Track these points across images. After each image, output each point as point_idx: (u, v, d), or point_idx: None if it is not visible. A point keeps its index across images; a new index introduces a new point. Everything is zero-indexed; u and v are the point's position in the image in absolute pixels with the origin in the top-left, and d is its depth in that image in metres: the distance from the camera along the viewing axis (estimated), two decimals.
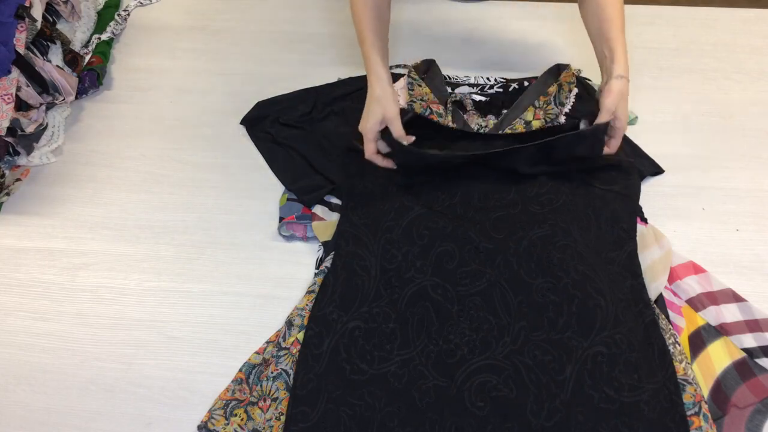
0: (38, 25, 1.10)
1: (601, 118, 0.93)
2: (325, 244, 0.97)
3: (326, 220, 1.00)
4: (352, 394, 0.81)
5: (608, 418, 0.76)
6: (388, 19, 1.00)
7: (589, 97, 1.11)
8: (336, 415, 0.79)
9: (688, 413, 0.78)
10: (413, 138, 0.97)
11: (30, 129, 1.09)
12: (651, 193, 1.02)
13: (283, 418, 0.81)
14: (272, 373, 0.85)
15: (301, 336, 0.87)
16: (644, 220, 0.97)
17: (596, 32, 0.98)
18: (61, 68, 1.15)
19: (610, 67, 0.94)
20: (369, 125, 0.96)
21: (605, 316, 0.82)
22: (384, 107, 0.95)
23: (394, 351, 0.83)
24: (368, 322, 0.85)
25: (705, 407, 0.79)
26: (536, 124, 1.05)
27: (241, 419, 0.82)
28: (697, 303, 0.90)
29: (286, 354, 0.86)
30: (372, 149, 0.98)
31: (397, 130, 0.95)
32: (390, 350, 0.84)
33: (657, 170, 1.05)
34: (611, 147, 0.96)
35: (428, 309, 0.86)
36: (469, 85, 1.16)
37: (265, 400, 0.83)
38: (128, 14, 1.36)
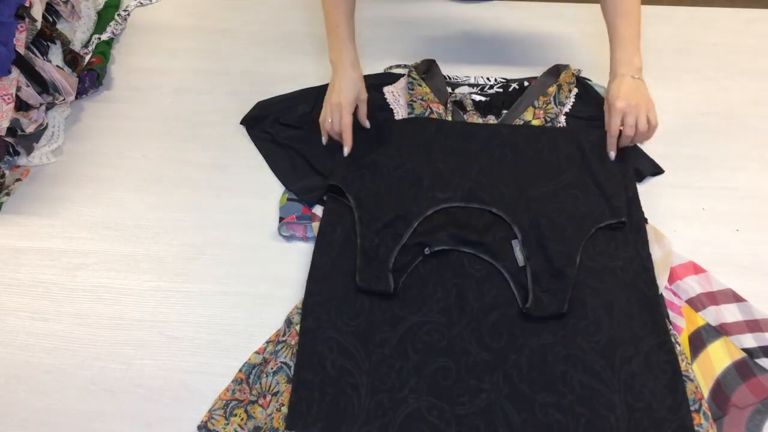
0: (38, 25, 1.10)
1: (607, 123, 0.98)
2: None
3: None
4: None
5: None
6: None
7: (588, 96, 1.11)
8: None
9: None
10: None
11: (30, 129, 1.09)
12: (651, 193, 1.02)
13: (283, 409, 0.81)
14: (272, 368, 0.85)
15: (300, 329, 0.87)
16: (644, 220, 0.96)
17: (609, 29, 1.00)
18: (61, 68, 1.15)
19: (611, 65, 0.97)
20: (348, 98, 1.00)
21: None
22: (360, 88, 1.01)
23: None
24: None
25: (705, 406, 0.79)
26: (536, 123, 1.05)
27: (241, 419, 0.83)
28: (697, 303, 0.90)
29: (284, 346, 0.86)
30: (349, 121, 1.00)
31: (364, 113, 1.03)
32: None
33: (657, 170, 1.05)
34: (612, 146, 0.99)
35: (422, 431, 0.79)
36: (469, 85, 1.16)
37: (265, 397, 0.83)
38: (128, 14, 1.36)
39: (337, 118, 1.01)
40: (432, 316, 0.86)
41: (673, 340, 0.84)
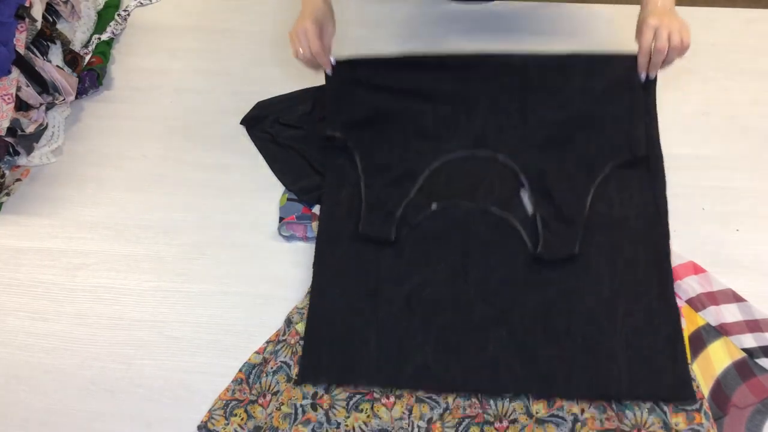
0: (38, 25, 1.10)
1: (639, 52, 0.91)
2: None
3: None
4: None
5: None
6: None
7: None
8: None
9: (689, 409, 0.79)
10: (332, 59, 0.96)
11: (30, 129, 1.09)
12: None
13: (283, 407, 0.81)
14: (272, 368, 0.85)
15: (299, 328, 0.87)
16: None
17: None
18: (61, 68, 1.15)
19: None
20: (311, 20, 0.94)
21: (618, 386, 0.80)
22: (325, 15, 0.96)
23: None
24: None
25: (706, 405, 0.79)
26: None
27: (241, 419, 0.83)
28: (697, 303, 0.90)
29: (284, 346, 0.86)
30: (319, 45, 0.94)
31: (327, 45, 0.96)
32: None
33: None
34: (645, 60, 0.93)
35: (430, 387, 0.83)
36: None
37: (265, 396, 0.84)
38: (128, 14, 1.36)
39: (306, 44, 0.94)
40: (438, 273, 0.88)
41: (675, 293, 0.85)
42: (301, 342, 0.86)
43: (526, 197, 0.90)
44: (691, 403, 0.79)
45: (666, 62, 0.92)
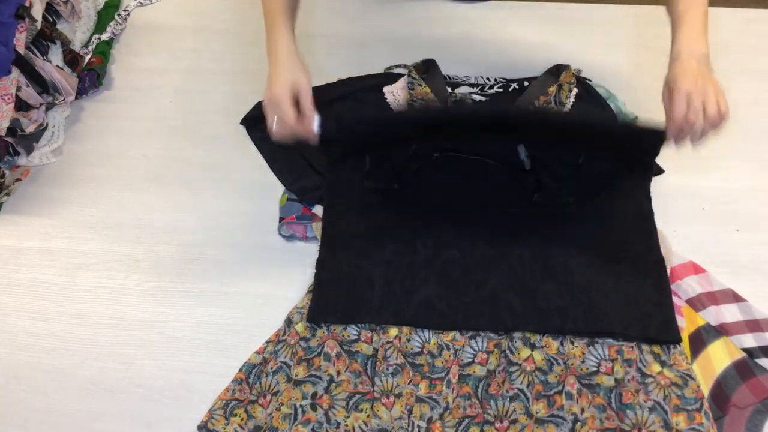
0: (38, 25, 1.10)
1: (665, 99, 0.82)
2: None
3: None
4: None
5: None
6: None
7: (589, 97, 1.11)
8: None
9: (690, 409, 0.79)
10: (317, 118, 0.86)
11: (30, 129, 1.09)
12: (651, 193, 1.02)
13: (283, 408, 0.81)
14: (272, 368, 0.85)
15: (299, 328, 0.87)
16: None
17: (670, 9, 0.88)
18: (61, 68, 1.15)
19: (672, 48, 0.83)
20: (275, 92, 0.83)
21: (611, 324, 0.85)
22: (297, 75, 0.84)
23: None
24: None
25: (707, 405, 0.79)
26: None
27: (241, 419, 0.83)
28: (697, 303, 0.90)
29: (284, 346, 0.87)
30: (293, 116, 0.83)
31: (308, 101, 0.84)
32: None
33: (657, 170, 1.05)
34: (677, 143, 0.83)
35: (432, 324, 0.87)
36: (469, 85, 1.16)
37: (265, 396, 0.84)
38: (128, 14, 1.36)
39: (281, 115, 0.84)
40: (440, 215, 0.94)
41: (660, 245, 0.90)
42: (301, 343, 0.87)
43: (523, 154, 0.96)
44: (675, 344, 0.84)
45: (700, 136, 0.80)
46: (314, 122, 0.85)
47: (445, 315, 0.87)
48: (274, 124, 0.84)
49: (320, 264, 0.93)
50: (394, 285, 0.89)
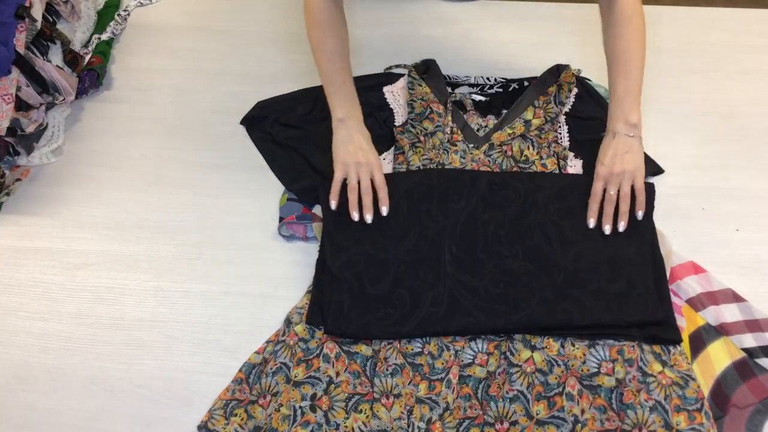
0: (38, 25, 1.10)
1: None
2: None
3: None
4: None
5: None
6: (347, 40, 0.98)
7: (589, 96, 1.11)
8: None
9: (690, 409, 0.78)
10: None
11: (30, 129, 1.09)
12: None
13: (282, 409, 0.81)
14: (271, 368, 0.85)
15: (299, 329, 0.87)
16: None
17: (609, 75, 0.95)
18: (61, 68, 1.15)
19: (607, 118, 0.95)
20: (377, 156, 0.97)
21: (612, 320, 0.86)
22: (368, 156, 0.96)
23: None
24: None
25: (707, 405, 0.79)
26: (536, 123, 1.05)
27: (242, 419, 0.83)
28: (697, 303, 0.90)
29: (283, 347, 0.87)
30: (383, 179, 0.96)
31: (381, 179, 0.95)
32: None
33: (657, 170, 1.05)
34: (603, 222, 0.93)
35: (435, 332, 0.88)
36: (469, 85, 1.16)
37: (265, 397, 0.84)
38: (128, 14, 1.36)
39: (367, 177, 0.95)
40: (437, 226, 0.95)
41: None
42: (300, 344, 0.87)
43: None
44: (676, 344, 0.85)
45: (622, 214, 0.91)
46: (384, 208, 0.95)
47: (448, 326, 0.87)
48: (353, 183, 0.95)
49: (320, 264, 0.93)
50: (399, 290, 0.89)
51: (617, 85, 0.92)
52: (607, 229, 0.92)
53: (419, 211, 0.95)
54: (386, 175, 0.98)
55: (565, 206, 0.95)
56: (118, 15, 1.34)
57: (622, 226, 0.91)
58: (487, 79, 1.16)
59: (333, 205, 0.95)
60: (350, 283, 0.90)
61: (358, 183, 0.95)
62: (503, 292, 0.88)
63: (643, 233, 0.92)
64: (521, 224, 0.94)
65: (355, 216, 0.94)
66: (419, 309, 0.87)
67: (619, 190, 0.92)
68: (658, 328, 0.85)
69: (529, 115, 1.06)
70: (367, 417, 0.81)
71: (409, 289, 0.89)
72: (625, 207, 0.91)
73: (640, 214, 0.92)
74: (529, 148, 1.03)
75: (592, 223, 0.93)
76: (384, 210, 0.95)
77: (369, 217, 0.94)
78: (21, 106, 1.09)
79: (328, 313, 0.88)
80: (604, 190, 0.93)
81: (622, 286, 0.88)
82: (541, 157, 1.02)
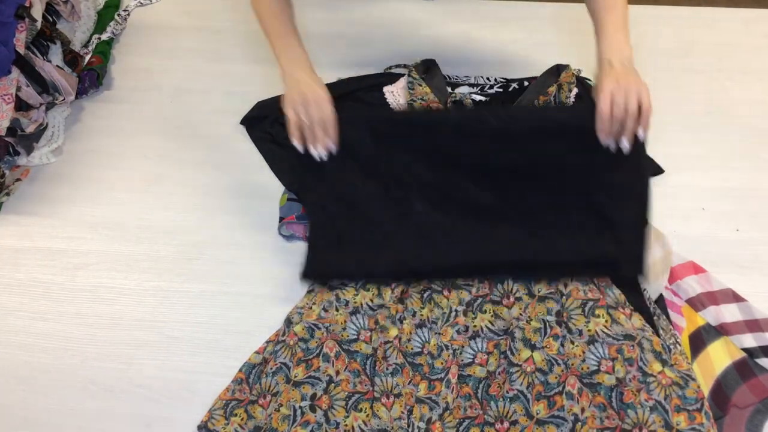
0: (38, 25, 1.10)
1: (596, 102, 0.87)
2: None
3: None
4: None
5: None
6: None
7: (589, 96, 1.11)
8: None
9: (690, 408, 0.78)
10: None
11: (30, 129, 1.09)
12: (651, 194, 1.02)
13: (282, 409, 0.81)
14: (271, 368, 0.85)
15: (298, 329, 0.87)
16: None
17: (595, 22, 0.92)
18: (61, 68, 1.15)
19: (598, 55, 0.89)
20: (326, 91, 0.91)
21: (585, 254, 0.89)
22: (315, 91, 0.91)
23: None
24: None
25: (707, 405, 0.79)
26: None
27: (242, 419, 0.83)
28: (697, 303, 0.90)
29: (283, 346, 0.86)
30: (332, 112, 0.91)
31: (329, 113, 0.90)
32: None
33: (657, 170, 1.05)
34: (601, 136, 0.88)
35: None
36: (469, 85, 1.16)
37: (265, 397, 0.84)
38: (128, 14, 1.36)
39: (315, 112, 0.90)
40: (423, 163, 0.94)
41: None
42: (300, 344, 0.87)
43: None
44: (636, 274, 0.88)
45: (627, 131, 0.86)
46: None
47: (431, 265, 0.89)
48: (303, 122, 0.90)
49: (312, 227, 0.94)
50: (391, 236, 0.90)
51: (609, 23, 0.90)
52: (624, 143, 0.86)
53: (385, 146, 0.92)
54: (349, 109, 0.96)
55: (541, 138, 0.91)
56: (118, 15, 1.34)
57: (625, 144, 0.87)
58: (487, 79, 1.16)
59: (298, 146, 0.91)
60: (322, 223, 0.91)
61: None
62: (473, 229, 0.89)
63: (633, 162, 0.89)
64: (492, 160, 0.91)
65: (300, 148, 0.91)
66: (391, 248, 0.89)
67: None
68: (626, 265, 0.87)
69: None
70: (368, 416, 0.81)
71: (379, 228, 0.90)
72: (631, 123, 0.85)
73: (641, 132, 0.87)
74: None
75: (608, 142, 0.87)
76: (331, 146, 0.91)
77: (320, 150, 0.91)
78: (21, 106, 1.09)
79: (305, 257, 0.89)
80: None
81: (596, 222, 0.88)
82: None
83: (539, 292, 0.89)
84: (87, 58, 1.23)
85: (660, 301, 0.90)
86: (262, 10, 0.97)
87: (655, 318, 0.87)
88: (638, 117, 0.85)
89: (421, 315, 0.88)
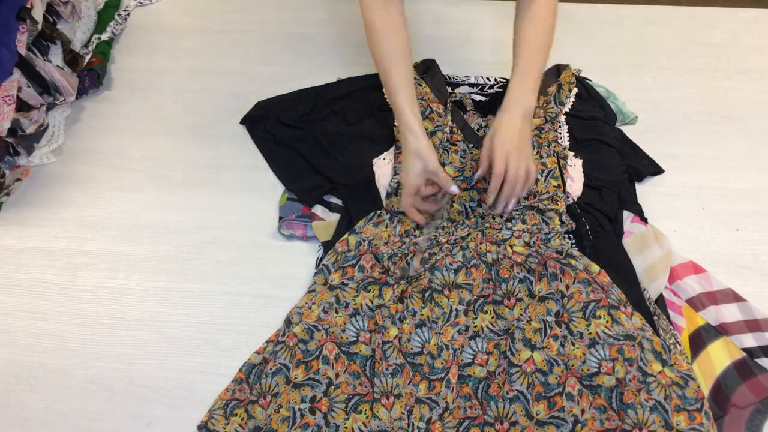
0: (39, 26, 1.10)
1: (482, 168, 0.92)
2: (325, 244, 0.98)
3: (326, 220, 1.00)
4: None
5: None
6: (409, 45, 0.95)
7: (589, 96, 1.11)
8: None
9: (690, 408, 0.78)
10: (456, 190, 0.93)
11: (30, 129, 1.09)
12: (651, 193, 1.02)
13: (282, 410, 0.81)
14: (271, 369, 0.85)
15: (298, 330, 0.87)
16: (644, 220, 0.96)
17: (514, 54, 0.94)
18: (62, 68, 1.15)
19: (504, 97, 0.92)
20: (410, 179, 0.92)
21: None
22: (425, 160, 0.90)
23: None
24: None
25: (707, 405, 0.79)
26: (536, 122, 1.05)
27: (242, 419, 0.83)
28: (697, 303, 0.90)
29: (283, 347, 0.86)
30: (409, 202, 0.94)
31: (444, 180, 0.92)
32: None
33: (657, 170, 1.05)
34: (498, 202, 0.92)
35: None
36: (469, 85, 1.16)
37: (265, 397, 0.83)
38: (128, 14, 1.36)
39: (404, 200, 0.94)
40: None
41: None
42: (300, 345, 0.86)
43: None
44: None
45: (513, 195, 0.90)
46: (452, 187, 0.92)
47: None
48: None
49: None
50: None
51: (523, 62, 0.92)
52: (501, 207, 0.92)
53: None
54: None
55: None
56: (118, 15, 1.34)
57: (510, 206, 0.92)
58: (487, 79, 1.16)
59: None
60: None
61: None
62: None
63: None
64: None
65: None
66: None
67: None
68: None
69: None
70: (367, 417, 0.81)
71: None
72: (518, 191, 0.90)
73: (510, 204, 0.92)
74: None
75: (499, 207, 0.92)
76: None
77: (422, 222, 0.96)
78: (22, 106, 1.09)
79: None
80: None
81: None
82: (541, 156, 1.02)
83: (540, 292, 0.89)
84: (87, 58, 1.24)
85: (660, 301, 0.90)
86: (380, 50, 0.94)
87: (655, 318, 0.87)
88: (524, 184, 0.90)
89: (422, 315, 0.88)
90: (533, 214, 0.96)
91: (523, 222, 0.95)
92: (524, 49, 0.93)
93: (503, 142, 0.89)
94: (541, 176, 0.99)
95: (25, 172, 1.10)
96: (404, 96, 0.92)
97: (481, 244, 0.94)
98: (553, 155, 1.02)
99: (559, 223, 0.95)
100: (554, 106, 1.07)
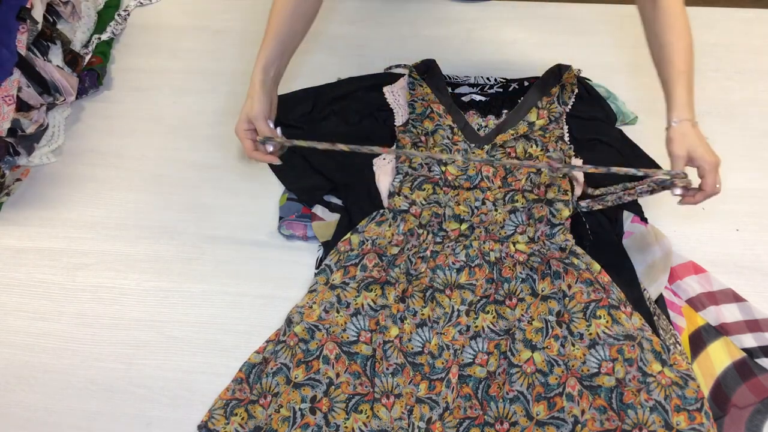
0: (39, 26, 1.10)
1: (676, 166, 0.85)
2: (325, 244, 0.97)
3: (326, 220, 1.00)
4: None
5: None
6: (308, 23, 0.95)
7: (589, 96, 1.11)
8: None
9: (690, 408, 0.78)
10: (279, 134, 0.91)
11: (30, 129, 1.09)
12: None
13: (282, 410, 0.81)
14: (272, 369, 0.85)
15: (299, 330, 0.87)
16: (644, 220, 0.96)
17: (656, 64, 0.90)
18: (62, 68, 1.15)
19: (667, 113, 0.86)
20: (237, 125, 0.90)
21: None
22: (249, 105, 0.89)
23: None
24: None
25: (707, 405, 0.79)
26: (540, 123, 1.05)
27: (242, 419, 0.83)
28: (697, 303, 0.90)
29: (284, 347, 0.86)
30: (249, 146, 0.90)
31: (263, 129, 0.89)
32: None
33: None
34: (696, 199, 0.87)
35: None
36: (469, 85, 1.16)
37: (265, 397, 0.84)
38: (128, 14, 1.36)
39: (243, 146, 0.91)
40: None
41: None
42: (300, 344, 0.86)
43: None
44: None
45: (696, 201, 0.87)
46: (268, 147, 0.90)
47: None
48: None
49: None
50: None
51: (672, 78, 0.86)
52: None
53: None
54: None
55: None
56: (118, 15, 1.34)
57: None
58: (487, 79, 1.16)
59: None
60: None
61: None
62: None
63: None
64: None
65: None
66: None
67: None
68: None
69: (533, 116, 1.06)
70: (368, 417, 0.81)
71: None
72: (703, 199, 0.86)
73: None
74: (532, 146, 1.03)
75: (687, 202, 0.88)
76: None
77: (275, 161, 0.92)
78: (22, 106, 1.09)
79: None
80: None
81: None
82: (547, 150, 1.01)
83: (543, 291, 0.89)
84: (87, 58, 1.23)
85: (660, 301, 0.90)
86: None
87: (655, 318, 0.87)
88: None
89: (422, 314, 0.88)
90: (542, 206, 0.95)
91: (530, 216, 0.95)
92: (665, 63, 0.88)
93: (710, 152, 0.84)
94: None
95: (25, 172, 1.10)
96: (264, 46, 0.94)
97: (484, 242, 0.94)
98: (560, 151, 1.02)
99: (567, 212, 0.94)
100: (558, 106, 1.07)
